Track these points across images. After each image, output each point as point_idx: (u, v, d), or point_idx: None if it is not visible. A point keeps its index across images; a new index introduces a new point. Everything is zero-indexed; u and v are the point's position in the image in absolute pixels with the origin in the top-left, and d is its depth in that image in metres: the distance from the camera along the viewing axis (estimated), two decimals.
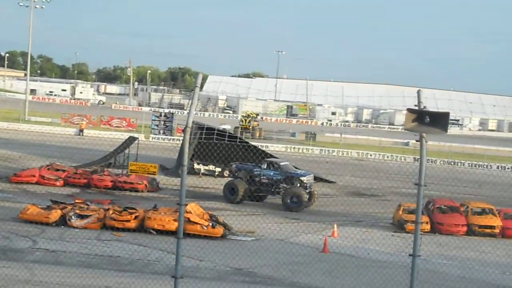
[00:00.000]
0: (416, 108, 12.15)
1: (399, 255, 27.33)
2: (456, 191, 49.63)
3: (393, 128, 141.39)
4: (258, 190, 43.82)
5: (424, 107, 12.21)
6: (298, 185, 43.07)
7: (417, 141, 12.37)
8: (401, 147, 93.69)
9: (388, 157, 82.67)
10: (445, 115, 12.04)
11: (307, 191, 43.03)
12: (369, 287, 23.06)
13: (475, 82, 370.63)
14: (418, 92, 12.47)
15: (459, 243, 34.16)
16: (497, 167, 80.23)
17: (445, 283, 24.75)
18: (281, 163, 45.09)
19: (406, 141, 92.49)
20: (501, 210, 39.97)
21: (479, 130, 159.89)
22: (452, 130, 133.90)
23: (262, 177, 43.67)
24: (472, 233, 37.43)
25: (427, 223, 36.56)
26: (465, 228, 37.66)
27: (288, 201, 42.08)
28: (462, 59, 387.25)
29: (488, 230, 37.61)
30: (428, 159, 74.57)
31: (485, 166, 79.95)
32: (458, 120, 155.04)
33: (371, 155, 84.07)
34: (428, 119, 11.91)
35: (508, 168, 79.81)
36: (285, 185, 43.35)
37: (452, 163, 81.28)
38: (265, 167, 44.11)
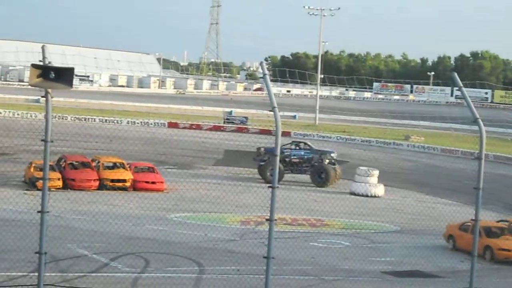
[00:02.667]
0: (41, 63, 12.04)
1: (28, 213, 27.02)
2: (87, 146, 50.09)
3: (23, 85, 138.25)
4: (289, 169, 45.94)
5: (49, 62, 12.12)
6: (327, 161, 46.45)
7: (42, 97, 12.30)
8: (31, 104, 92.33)
9: (18, 114, 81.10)
10: (70, 70, 12.13)
11: (334, 166, 46.40)
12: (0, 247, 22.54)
13: (104, 38, 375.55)
14: (43, 47, 12.37)
15: (91, 198, 34.65)
16: (127, 122, 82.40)
17: (74, 238, 24.98)
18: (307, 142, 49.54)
19: (36, 97, 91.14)
20: (132, 164, 41.14)
21: (110, 86, 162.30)
22: (82, 86, 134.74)
23: (292, 157, 46.48)
24: (104, 187, 38.07)
25: (58, 179, 36.52)
26: (97, 183, 38.19)
27: (317, 177, 45.22)
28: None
29: (119, 184, 38.50)
30: (59, 116, 74.76)
31: (115, 122, 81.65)
32: (88, 76, 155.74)
33: (0, 112, 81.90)
34: (53, 75, 11.88)
35: (137, 123, 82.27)
36: (316, 163, 46.49)
37: (83, 119, 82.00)
38: (294, 147, 47.54)
